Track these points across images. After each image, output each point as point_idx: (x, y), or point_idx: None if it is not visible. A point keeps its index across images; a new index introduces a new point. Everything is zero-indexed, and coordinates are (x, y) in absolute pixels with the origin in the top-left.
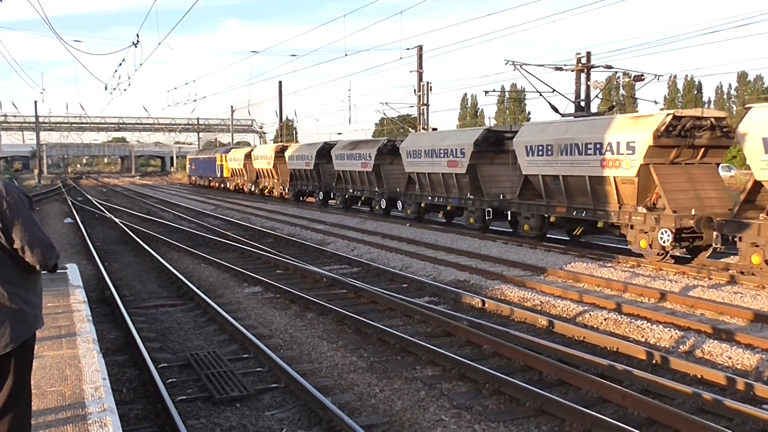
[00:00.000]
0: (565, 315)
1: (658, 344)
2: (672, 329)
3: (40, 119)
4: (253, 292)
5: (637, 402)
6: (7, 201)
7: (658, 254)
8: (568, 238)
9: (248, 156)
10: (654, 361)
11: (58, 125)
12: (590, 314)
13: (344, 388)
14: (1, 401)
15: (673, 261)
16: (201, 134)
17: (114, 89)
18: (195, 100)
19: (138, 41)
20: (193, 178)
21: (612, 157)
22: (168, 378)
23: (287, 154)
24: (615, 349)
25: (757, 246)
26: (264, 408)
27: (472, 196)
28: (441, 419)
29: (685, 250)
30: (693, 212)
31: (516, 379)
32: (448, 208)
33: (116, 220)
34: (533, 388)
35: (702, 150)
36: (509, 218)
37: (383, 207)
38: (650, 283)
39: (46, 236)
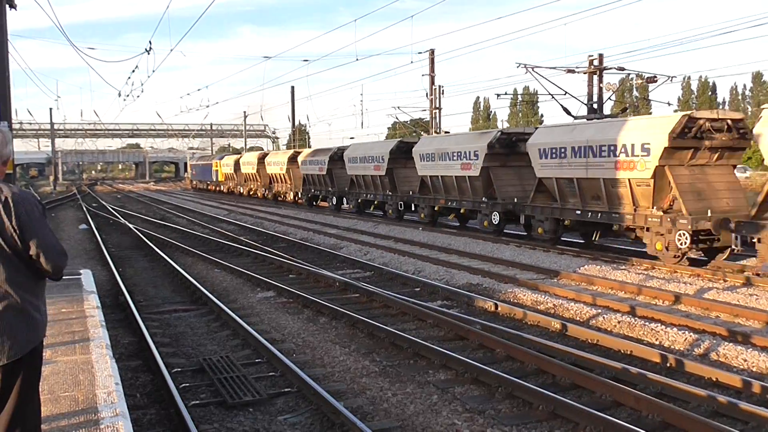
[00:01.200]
0: (578, 318)
1: (672, 347)
2: (687, 332)
3: (55, 126)
4: (266, 296)
5: (652, 405)
6: (24, 208)
7: (675, 257)
8: (582, 241)
9: (261, 161)
10: (668, 364)
11: (72, 132)
12: (604, 317)
13: (357, 392)
14: (11, 407)
15: (688, 263)
16: (214, 140)
17: (127, 96)
18: (208, 106)
19: (150, 48)
20: (194, 182)
21: (626, 159)
22: (181, 383)
23: (300, 159)
24: (629, 352)
25: None
26: (277, 412)
27: (485, 199)
28: (454, 423)
29: (702, 252)
30: (709, 214)
31: (529, 383)
32: (462, 211)
33: (130, 225)
34: (546, 392)
35: (718, 151)
36: (523, 221)
37: (397, 211)
38: (664, 285)
39: (59, 243)
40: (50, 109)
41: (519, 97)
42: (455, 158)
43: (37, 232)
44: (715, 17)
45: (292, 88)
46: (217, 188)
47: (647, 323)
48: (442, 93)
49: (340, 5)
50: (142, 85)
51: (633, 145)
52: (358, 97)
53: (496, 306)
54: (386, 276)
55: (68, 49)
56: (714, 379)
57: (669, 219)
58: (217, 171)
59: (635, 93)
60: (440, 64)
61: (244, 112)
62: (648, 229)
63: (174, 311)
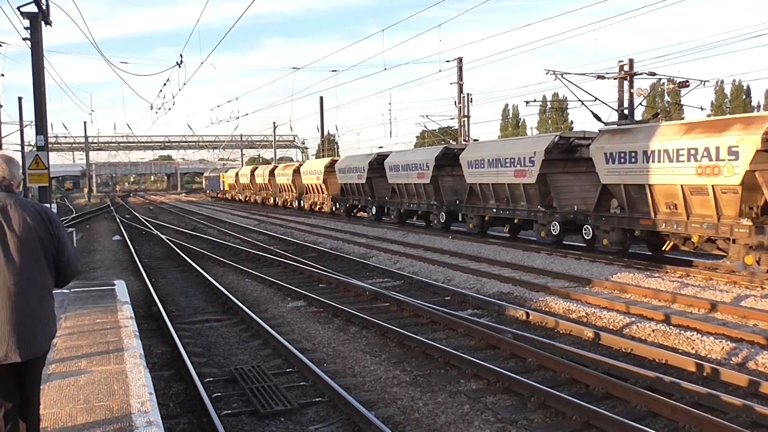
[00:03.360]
0: (611, 327)
1: (709, 356)
2: (724, 340)
3: (90, 139)
4: (296, 306)
5: (688, 416)
6: (59, 222)
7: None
8: (650, 253)
9: (297, 171)
10: (705, 374)
11: (106, 145)
12: (638, 326)
13: (388, 402)
14: (25, 405)
15: None
16: (244, 150)
17: (159, 108)
18: (238, 117)
19: (182, 61)
20: (207, 191)
21: (710, 164)
22: (213, 392)
23: (337, 166)
24: (664, 362)
25: None
26: (308, 422)
27: (542, 208)
28: None
29: None
30: None
31: (562, 393)
32: (516, 221)
33: (162, 236)
34: (580, 402)
35: None
36: (585, 232)
37: (442, 221)
38: (700, 293)
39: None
40: (84, 122)
41: (548, 104)
42: (508, 165)
43: (67, 244)
44: (749, 20)
45: (321, 98)
46: (223, 196)
47: (683, 332)
48: (471, 101)
49: (367, 15)
50: (173, 97)
51: (718, 149)
52: (387, 107)
53: (528, 315)
54: (416, 285)
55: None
56: (752, 390)
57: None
58: (223, 182)
59: (667, 98)
60: (468, 72)
61: (274, 123)
62: (734, 241)
63: (206, 321)
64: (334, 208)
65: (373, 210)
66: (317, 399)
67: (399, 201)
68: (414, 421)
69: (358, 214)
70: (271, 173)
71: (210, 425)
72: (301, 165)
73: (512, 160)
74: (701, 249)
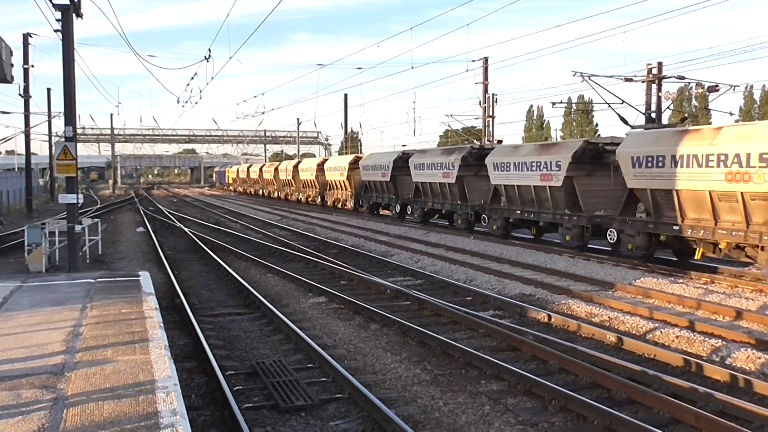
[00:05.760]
0: (634, 332)
1: (733, 364)
2: (749, 349)
3: (116, 131)
4: (317, 302)
5: (712, 424)
6: None
7: None
8: (675, 259)
9: (321, 167)
10: (729, 382)
11: (132, 137)
12: (661, 331)
13: (408, 400)
14: None
15: None
16: (268, 146)
17: (186, 102)
18: (263, 113)
19: (210, 55)
20: (217, 184)
21: (740, 170)
22: (235, 385)
23: (361, 163)
24: (688, 369)
25: None
26: (328, 418)
27: (568, 212)
28: None
29: None
30: None
31: (583, 397)
32: (540, 224)
33: (186, 229)
34: (602, 406)
35: None
36: (609, 236)
37: (467, 221)
38: (725, 300)
39: None
40: (111, 114)
41: (573, 106)
42: (534, 168)
43: None
44: None
45: (345, 95)
46: (228, 188)
47: (707, 339)
48: (496, 101)
49: (393, 14)
50: (200, 91)
51: (749, 155)
52: (411, 105)
53: (550, 317)
54: (437, 284)
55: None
56: None
57: None
58: (227, 176)
59: (694, 102)
60: (494, 73)
61: (298, 119)
62: (763, 248)
63: (228, 314)
64: (357, 206)
65: (397, 208)
66: (338, 395)
67: (423, 200)
68: (434, 421)
69: (381, 212)
70: (295, 168)
71: (232, 418)
72: (325, 161)
73: (539, 164)
74: (729, 256)
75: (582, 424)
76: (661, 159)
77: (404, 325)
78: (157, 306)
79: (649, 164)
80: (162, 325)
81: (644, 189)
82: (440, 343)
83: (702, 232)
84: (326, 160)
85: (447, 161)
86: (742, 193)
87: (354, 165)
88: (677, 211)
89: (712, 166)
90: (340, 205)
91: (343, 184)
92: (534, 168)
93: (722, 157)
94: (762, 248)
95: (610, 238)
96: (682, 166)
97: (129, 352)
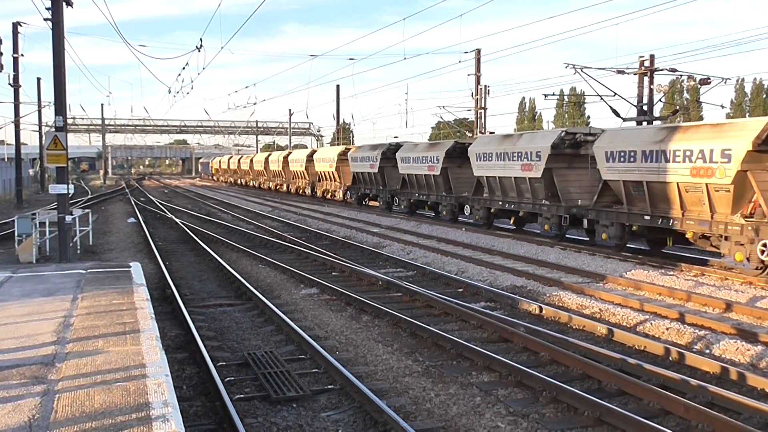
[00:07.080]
0: (625, 323)
1: (723, 356)
2: (738, 340)
3: (106, 122)
4: (309, 293)
5: (702, 415)
6: None
7: (757, 268)
8: (647, 248)
9: (310, 158)
10: (718, 373)
11: (123, 127)
12: (651, 323)
13: (399, 391)
14: None
15: None
16: (259, 137)
17: (177, 92)
18: (255, 104)
19: (201, 45)
20: (202, 174)
21: (704, 165)
22: (226, 376)
23: (350, 155)
24: (678, 360)
25: None
26: (320, 409)
27: (547, 202)
28: (497, 426)
29: None
30: None
31: (574, 388)
32: (521, 214)
33: (177, 220)
34: (592, 398)
35: None
36: (585, 226)
37: (451, 212)
38: (715, 293)
39: None
40: (101, 104)
41: (566, 98)
42: (515, 158)
43: None
44: None
45: (338, 86)
46: (211, 177)
47: (697, 330)
48: (488, 93)
49: (385, 4)
50: (191, 82)
51: (712, 151)
52: (403, 97)
53: (541, 309)
54: (429, 276)
55: (120, 46)
56: (767, 390)
57: (750, 228)
58: (211, 166)
59: (686, 95)
60: (486, 64)
61: (290, 110)
62: (726, 238)
63: (219, 305)
64: (345, 196)
65: (387, 199)
66: (329, 386)
67: (409, 191)
68: (425, 411)
69: (369, 203)
70: (285, 160)
71: (223, 409)
72: (315, 152)
73: (519, 154)
74: (699, 246)
75: (572, 415)
76: (632, 154)
77: (396, 317)
78: (149, 297)
79: (622, 159)
80: (153, 316)
81: (617, 180)
82: (432, 334)
83: (671, 222)
84: (315, 151)
85: (432, 155)
86: (706, 185)
87: (343, 156)
88: (647, 202)
89: (679, 162)
90: (329, 196)
91: (332, 175)
92: (515, 158)
93: (688, 153)
94: (725, 238)
95: (586, 228)
96: (651, 161)
97: (120, 342)
